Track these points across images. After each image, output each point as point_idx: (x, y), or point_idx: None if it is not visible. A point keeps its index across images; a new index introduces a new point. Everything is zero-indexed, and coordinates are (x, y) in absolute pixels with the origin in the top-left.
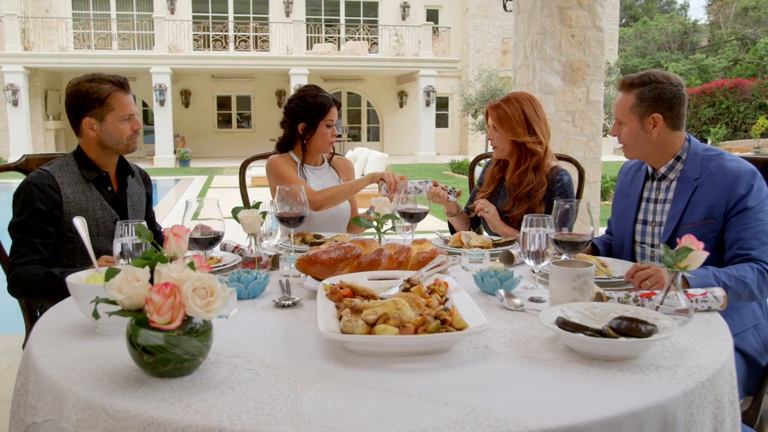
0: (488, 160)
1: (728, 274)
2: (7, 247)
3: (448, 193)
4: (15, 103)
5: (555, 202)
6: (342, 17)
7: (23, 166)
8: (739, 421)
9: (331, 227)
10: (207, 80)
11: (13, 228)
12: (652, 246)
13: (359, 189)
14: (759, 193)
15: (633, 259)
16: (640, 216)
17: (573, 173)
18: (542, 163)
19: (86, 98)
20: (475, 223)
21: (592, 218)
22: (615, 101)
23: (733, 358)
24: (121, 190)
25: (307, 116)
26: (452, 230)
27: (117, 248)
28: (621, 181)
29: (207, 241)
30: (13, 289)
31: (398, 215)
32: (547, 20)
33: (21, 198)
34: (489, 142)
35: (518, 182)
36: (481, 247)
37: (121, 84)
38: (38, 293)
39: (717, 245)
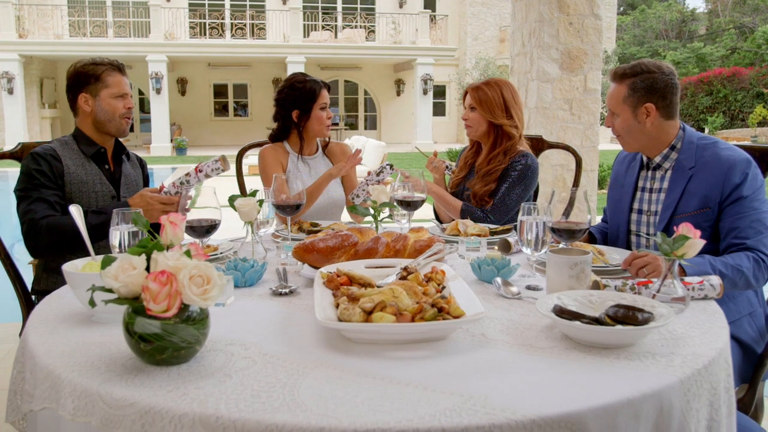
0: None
1: (724, 262)
2: (7, 242)
3: (446, 168)
4: (10, 91)
5: (552, 190)
6: (339, 5)
7: (18, 153)
8: (735, 408)
9: (328, 215)
10: (203, 68)
11: (22, 191)
12: (648, 235)
13: (321, 190)
14: (754, 182)
15: (628, 248)
16: (635, 205)
17: (570, 161)
18: (513, 147)
19: (83, 75)
20: None
21: (589, 206)
22: (608, 92)
23: (729, 346)
24: (117, 168)
25: (298, 102)
26: (437, 216)
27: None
28: (616, 171)
29: (204, 229)
30: (37, 241)
31: (395, 203)
32: (545, 8)
33: (28, 166)
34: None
35: (488, 166)
36: (479, 236)
37: (118, 67)
38: (71, 240)
39: (712, 234)
